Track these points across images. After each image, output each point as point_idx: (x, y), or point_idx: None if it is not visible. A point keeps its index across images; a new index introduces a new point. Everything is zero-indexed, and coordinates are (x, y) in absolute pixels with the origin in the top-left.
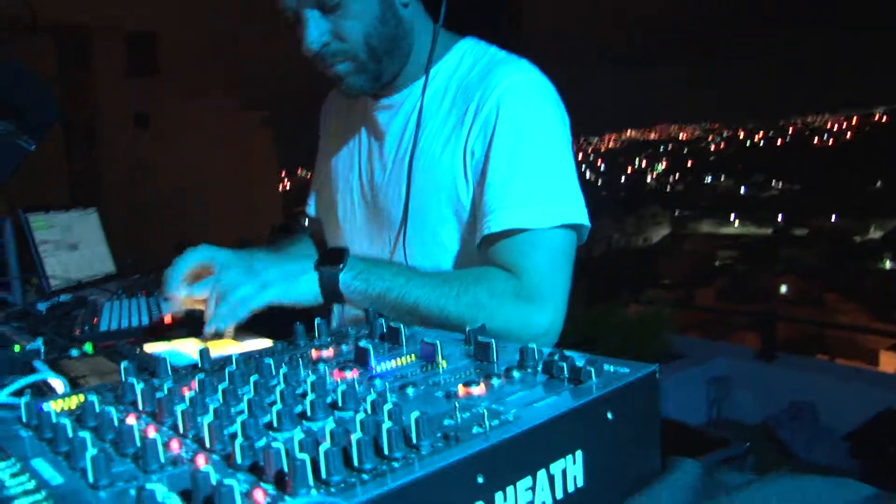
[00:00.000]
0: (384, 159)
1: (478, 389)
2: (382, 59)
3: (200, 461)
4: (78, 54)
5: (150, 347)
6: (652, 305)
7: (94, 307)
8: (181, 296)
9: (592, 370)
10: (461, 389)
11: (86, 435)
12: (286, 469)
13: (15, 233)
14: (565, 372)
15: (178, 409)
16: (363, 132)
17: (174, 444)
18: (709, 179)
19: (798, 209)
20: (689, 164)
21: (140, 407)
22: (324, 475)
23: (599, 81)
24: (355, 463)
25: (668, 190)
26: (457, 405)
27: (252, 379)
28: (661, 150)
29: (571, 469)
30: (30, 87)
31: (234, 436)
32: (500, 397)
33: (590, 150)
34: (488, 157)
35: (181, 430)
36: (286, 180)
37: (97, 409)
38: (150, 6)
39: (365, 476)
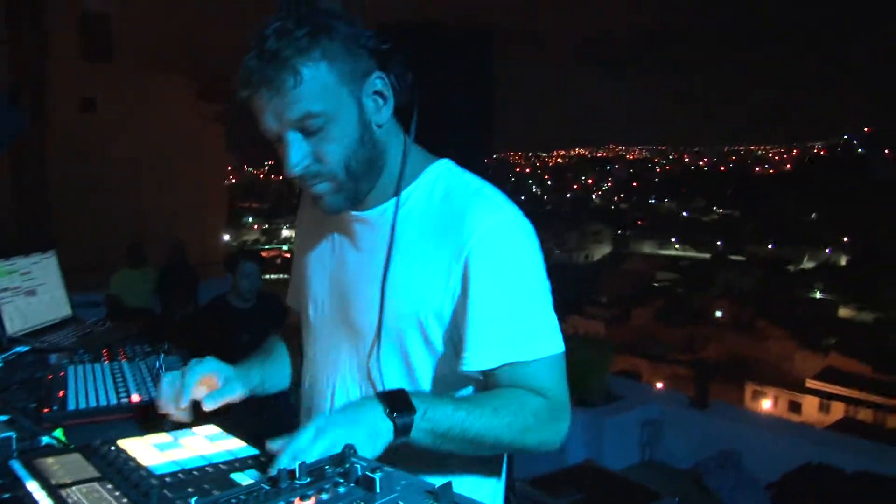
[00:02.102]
0: (356, 273)
1: None
2: (360, 180)
3: None
4: (30, 29)
5: (125, 444)
6: (594, 344)
7: (58, 375)
8: (189, 405)
9: None
10: None
11: None
12: None
13: None
14: None
15: None
16: (335, 239)
17: None
18: (653, 201)
19: (736, 235)
20: (634, 184)
21: None
22: None
23: (553, 95)
24: None
25: (612, 208)
26: None
27: None
28: (609, 169)
29: None
30: None
31: None
32: None
33: (538, 165)
34: (475, 296)
35: None
36: (231, 176)
37: None
38: None
39: None
